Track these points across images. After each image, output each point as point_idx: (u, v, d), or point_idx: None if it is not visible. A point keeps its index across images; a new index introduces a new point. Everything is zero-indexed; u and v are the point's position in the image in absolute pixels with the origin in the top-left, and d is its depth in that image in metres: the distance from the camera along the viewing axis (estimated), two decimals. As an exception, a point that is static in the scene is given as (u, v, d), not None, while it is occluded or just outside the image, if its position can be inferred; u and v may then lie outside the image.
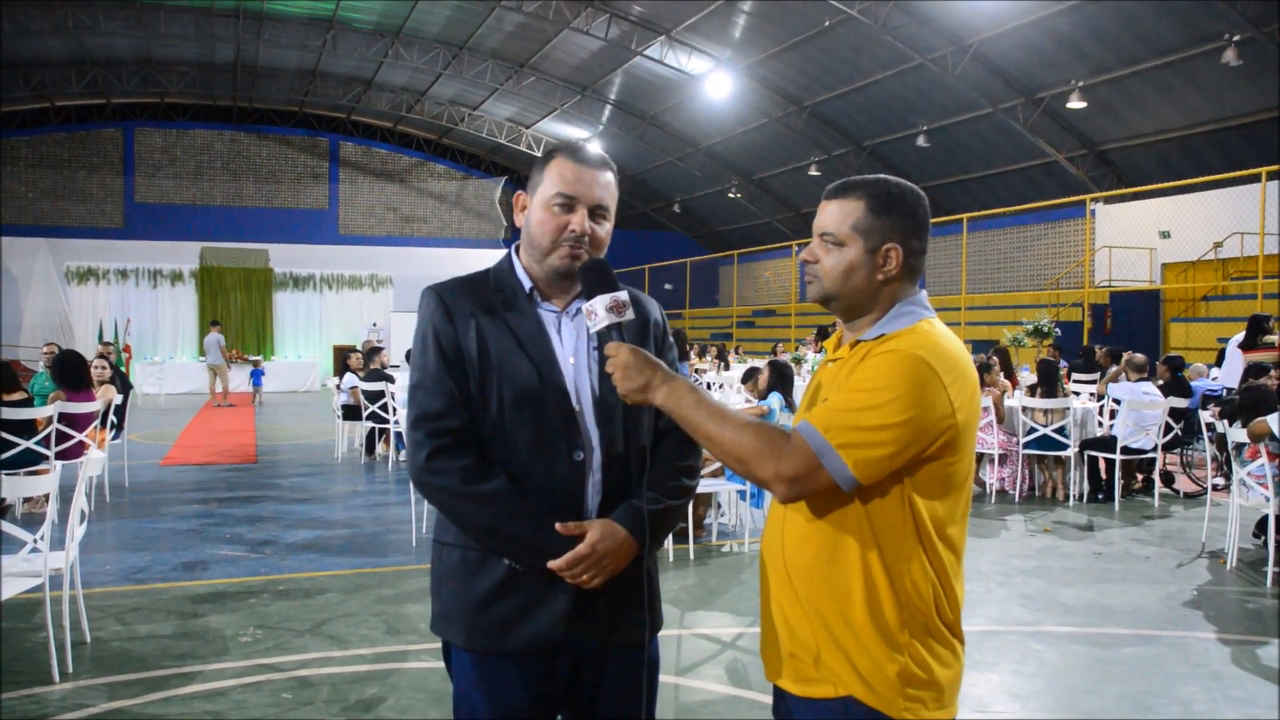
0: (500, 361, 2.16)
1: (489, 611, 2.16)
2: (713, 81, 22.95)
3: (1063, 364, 12.30)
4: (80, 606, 5.29)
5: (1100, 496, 9.69)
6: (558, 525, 2.11)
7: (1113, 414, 9.96)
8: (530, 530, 2.11)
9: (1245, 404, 7.29)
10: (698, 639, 5.50)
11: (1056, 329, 14.01)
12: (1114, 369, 11.09)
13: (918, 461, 1.89)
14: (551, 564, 2.11)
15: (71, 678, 4.71)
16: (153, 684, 4.67)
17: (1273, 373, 9.17)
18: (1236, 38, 15.37)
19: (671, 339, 2.41)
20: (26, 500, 8.66)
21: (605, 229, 2.24)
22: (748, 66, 22.74)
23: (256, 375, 22.45)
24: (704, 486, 7.44)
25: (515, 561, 2.15)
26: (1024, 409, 9.56)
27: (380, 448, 12.47)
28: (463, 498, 2.13)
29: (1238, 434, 7.23)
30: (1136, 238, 19.08)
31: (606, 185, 2.23)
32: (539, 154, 2.36)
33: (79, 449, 8.19)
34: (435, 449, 2.13)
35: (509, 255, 2.32)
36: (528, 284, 2.25)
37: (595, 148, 2.32)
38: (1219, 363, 11.55)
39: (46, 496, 7.12)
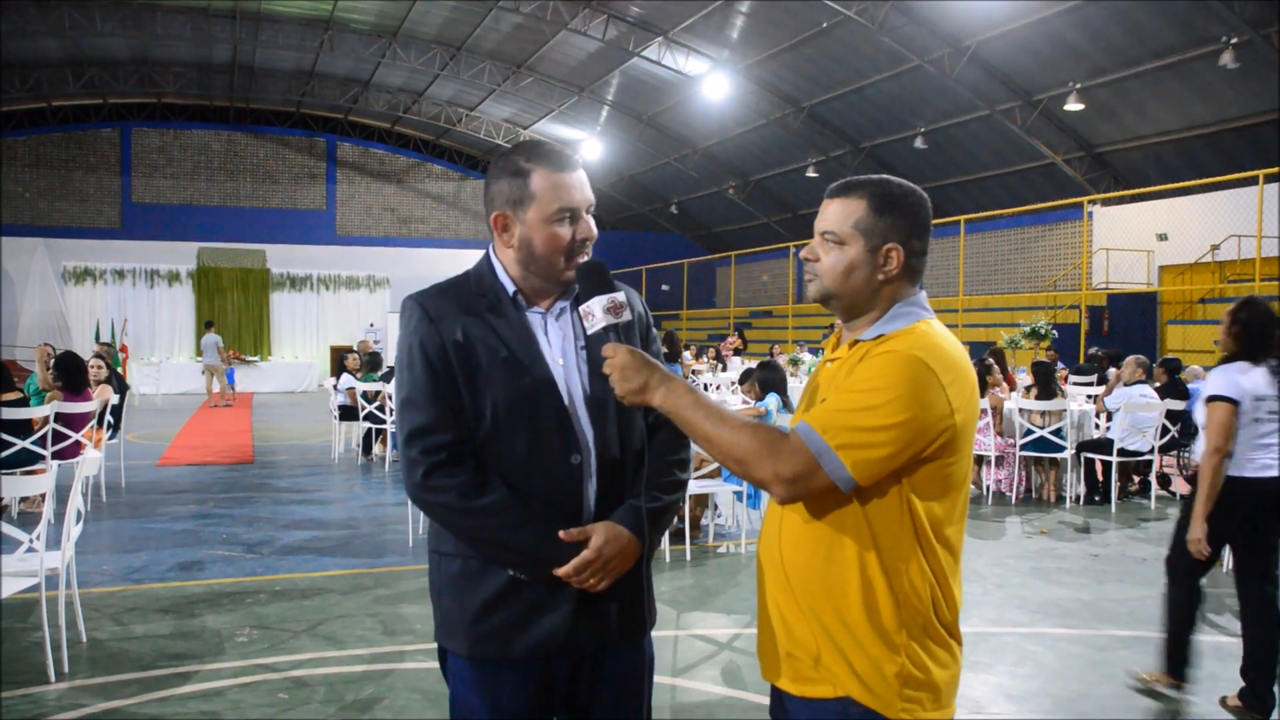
0: (490, 368, 2.13)
1: (491, 619, 2.15)
2: (710, 82, 22.94)
3: (1060, 366, 12.31)
4: (76, 606, 5.28)
5: (1097, 498, 9.70)
6: (561, 533, 2.10)
7: (1109, 416, 9.97)
8: (534, 540, 2.11)
9: None
10: (694, 640, 5.49)
11: (1054, 331, 14.03)
12: (1114, 372, 11.09)
13: (916, 462, 1.89)
14: (558, 571, 2.10)
15: (67, 678, 4.70)
16: (149, 684, 4.66)
17: None
18: (1234, 40, 15.38)
19: (655, 330, 2.41)
20: (23, 500, 8.65)
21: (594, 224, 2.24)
22: (745, 68, 22.74)
23: (229, 374, 22.63)
24: (701, 487, 7.44)
25: (520, 571, 2.13)
26: (1021, 410, 9.56)
27: (377, 448, 12.46)
28: (463, 513, 2.11)
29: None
30: (1134, 240, 19.11)
31: (587, 181, 2.23)
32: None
33: (75, 449, 8.18)
34: (431, 466, 2.11)
35: (488, 258, 2.27)
36: (511, 287, 2.22)
37: (566, 140, 2.29)
38: None
39: (43, 496, 7.09)
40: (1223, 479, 4.40)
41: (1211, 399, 4.45)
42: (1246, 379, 4.43)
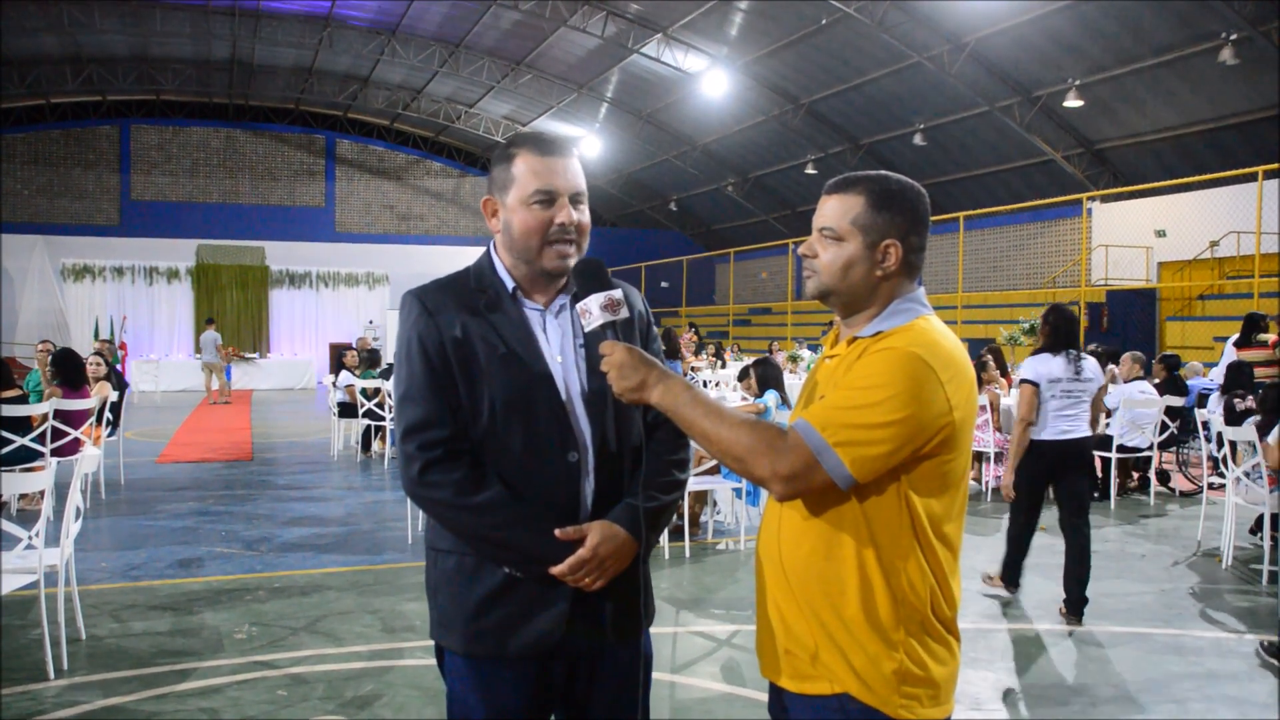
0: (488, 364, 2.13)
1: (487, 617, 2.14)
2: (709, 79, 22.92)
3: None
4: (75, 603, 5.28)
5: (1096, 495, 9.69)
6: (557, 532, 2.10)
7: (1109, 413, 9.97)
8: (529, 537, 2.10)
9: (1270, 407, 6.90)
10: (694, 637, 5.50)
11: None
12: (1111, 369, 11.09)
13: (915, 459, 1.89)
14: (554, 570, 2.10)
15: (66, 675, 4.70)
16: (148, 681, 4.67)
17: (1258, 371, 9.17)
18: (1233, 37, 15.38)
19: (655, 329, 2.41)
20: (22, 497, 8.66)
21: (586, 215, 2.22)
22: (744, 64, 22.72)
23: (227, 371, 22.67)
24: (700, 484, 7.44)
25: (515, 569, 2.13)
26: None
27: (376, 445, 12.46)
28: (459, 510, 2.10)
29: (1234, 433, 7.21)
30: (1133, 236, 19.10)
31: (578, 171, 2.21)
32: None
33: (74, 446, 8.18)
34: (427, 462, 2.10)
35: (488, 254, 2.27)
36: (510, 283, 2.21)
37: (564, 133, 2.29)
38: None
39: (42, 493, 7.10)
40: (1028, 441, 5.94)
41: (1021, 382, 6.02)
42: (1045, 367, 5.95)
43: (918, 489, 1.91)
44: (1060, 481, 6.09)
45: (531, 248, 2.17)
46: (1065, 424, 5.93)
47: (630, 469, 2.22)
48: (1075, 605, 5.83)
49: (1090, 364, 6.08)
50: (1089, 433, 6.06)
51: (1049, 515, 8.93)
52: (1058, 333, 6.05)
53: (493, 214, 2.23)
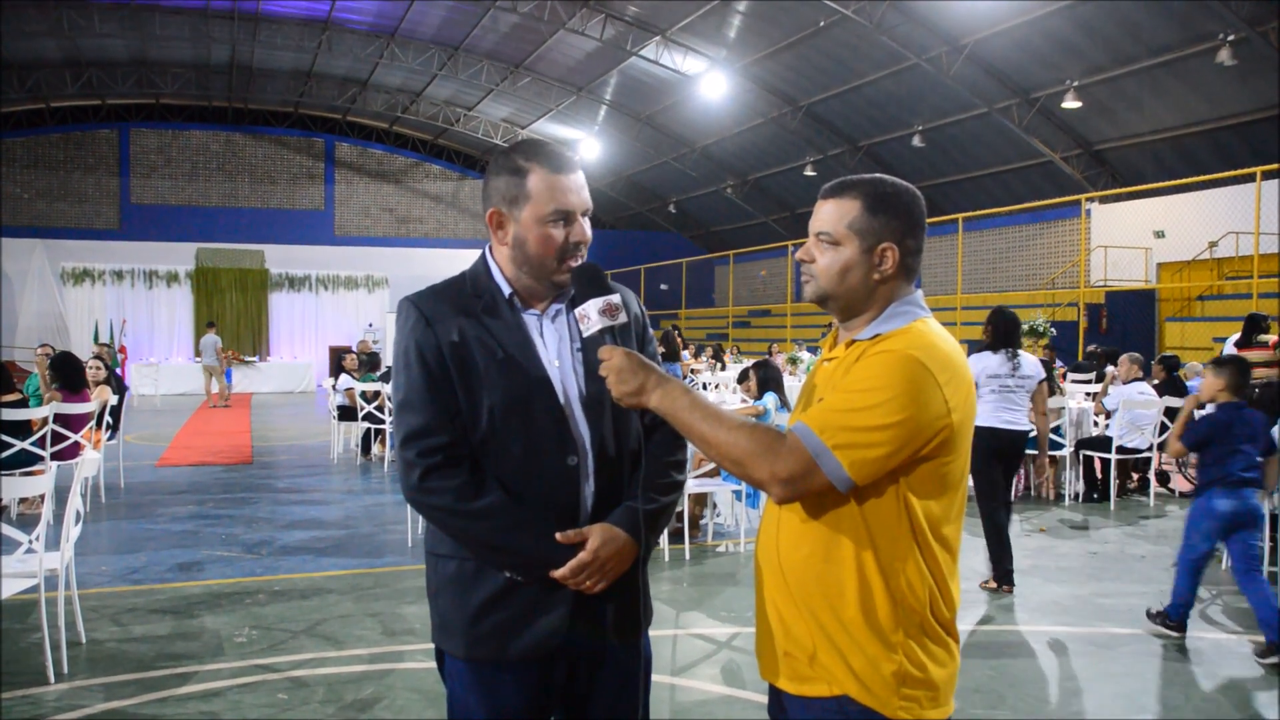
0: (486, 369, 2.13)
1: (487, 620, 2.15)
2: (708, 82, 22.93)
3: (1059, 365, 12.31)
4: (76, 607, 5.28)
5: (1095, 496, 9.70)
6: (557, 535, 2.10)
7: (1108, 414, 9.98)
8: (530, 542, 2.11)
9: (1263, 401, 7.03)
10: (693, 639, 5.50)
11: (1052, 329, 14.03)
12: (1110, 370, 11.09)
13: (913, 461, 1.89)
14: (555, 573, 2.10)
15: (67, 678, 4.70)
16: (148, 684, 4.67)
17: (1258, 372, 9.16)
18: (1231, 37, 15.39)
19: (651, 332, 2.41)
20: (22, 501, 8.66)
21: (590, 225, 2.24)
22: (743, 67, 22.73)
23: (227, 374, 22.74)
24: (700, 486, 7.44)
25: (516, 573, 2.13)
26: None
27: (375, 448, 12.46)
28: (460, 516, 2.11)
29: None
30: (1132, 237, 19.11)
31: (585, 185, 2.22)
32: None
33: (74, 450, 8.18)
34: (427, 468, 2.11)
35: (484, 259, 2.27)
36: (507, 289, 2.21)
37: (564, 139, 2.28)
38: None
39: (42, 497, 7.08)
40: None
41: None
42: (982, 363, 6.43)
43: (916, 491, 1.92)
44: (995, 463, 6.43)
45: (548, 265, 2.17)
46: (1007, 414, 6.41)
47: (629, 472, 2.23)
48: (1003, 577, 6.37)
49: (1028, 361, 6.55)
50: (1029, 427, 6.55)
51: (1050, 516, 8.94)
52: (998, 332, 6.56)
53: (499, 226, 2.21)
